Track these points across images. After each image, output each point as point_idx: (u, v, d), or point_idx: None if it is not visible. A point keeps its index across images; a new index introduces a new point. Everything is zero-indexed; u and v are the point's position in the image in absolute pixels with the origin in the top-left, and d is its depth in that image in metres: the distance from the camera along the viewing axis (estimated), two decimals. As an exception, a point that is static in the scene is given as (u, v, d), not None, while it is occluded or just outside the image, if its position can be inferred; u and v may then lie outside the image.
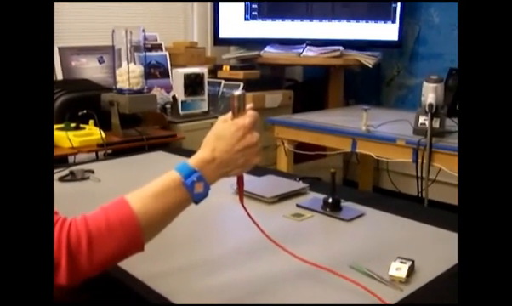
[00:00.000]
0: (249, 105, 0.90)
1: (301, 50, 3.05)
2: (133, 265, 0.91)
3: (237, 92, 0.90)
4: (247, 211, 0.91)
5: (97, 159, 2.07)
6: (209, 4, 3.31)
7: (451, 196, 2.64)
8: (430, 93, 1.97)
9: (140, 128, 2.36)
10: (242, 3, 3.12)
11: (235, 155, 0.86)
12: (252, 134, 0.88)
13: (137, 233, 0.79)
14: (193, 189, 0.83)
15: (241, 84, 2.86)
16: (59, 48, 2.70)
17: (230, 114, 0.89)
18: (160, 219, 0.83)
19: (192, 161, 0.85)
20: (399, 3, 3.06)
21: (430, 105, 1.96)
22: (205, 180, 0.84)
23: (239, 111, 0.89)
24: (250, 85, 2.88)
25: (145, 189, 0.83)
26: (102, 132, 2.15)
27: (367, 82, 3.45)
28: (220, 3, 3.11)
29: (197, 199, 0.84)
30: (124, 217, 0.79)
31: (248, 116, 0.88)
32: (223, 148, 0.86)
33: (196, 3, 3.33)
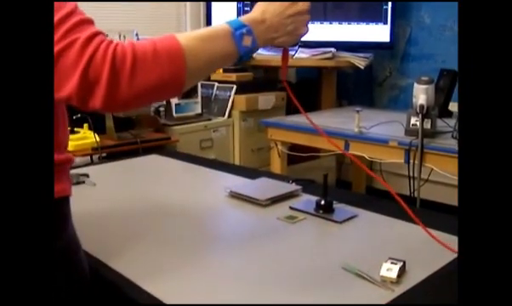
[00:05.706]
0: None
1: (293, 52, 3.07)
2: (125, 265, 0.93)
3: None
4: (289, 89, 0.99)
5: (92, 162, 2.08)
6: (202, 7, 3.32)
7: (442, 196, 2.67)
8: (421, 95, 1.99)
9: (134, 131, 2.37)
10: (235, 7, 3.14)
11: (285, 19, 0.88)
12: (304, 1, 0.91)
13: (181, 66, 0.77)
14: (241, 42, 0.83)
15: (234, 87, 2.88)
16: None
17: None
18: (204, 62, 0.82)
19: (243, 18, 0.86)
20: (390, 4, 3.08)
21: (421, 107, 1.98)
22: (254, 36, 0.84)
23: None
24: (243, 87, 2.90)
25: (195, 32, 0.83)
26: (96, 135, 2.16)
27: (360, 83, 3.47)
28: (213, 6, 3.13)
29: (243, 52, 0.84)
30: (171, 47, 0.77)
31: None
32: (274, 10, 0.87)
33: (188, 6, 3.34)
